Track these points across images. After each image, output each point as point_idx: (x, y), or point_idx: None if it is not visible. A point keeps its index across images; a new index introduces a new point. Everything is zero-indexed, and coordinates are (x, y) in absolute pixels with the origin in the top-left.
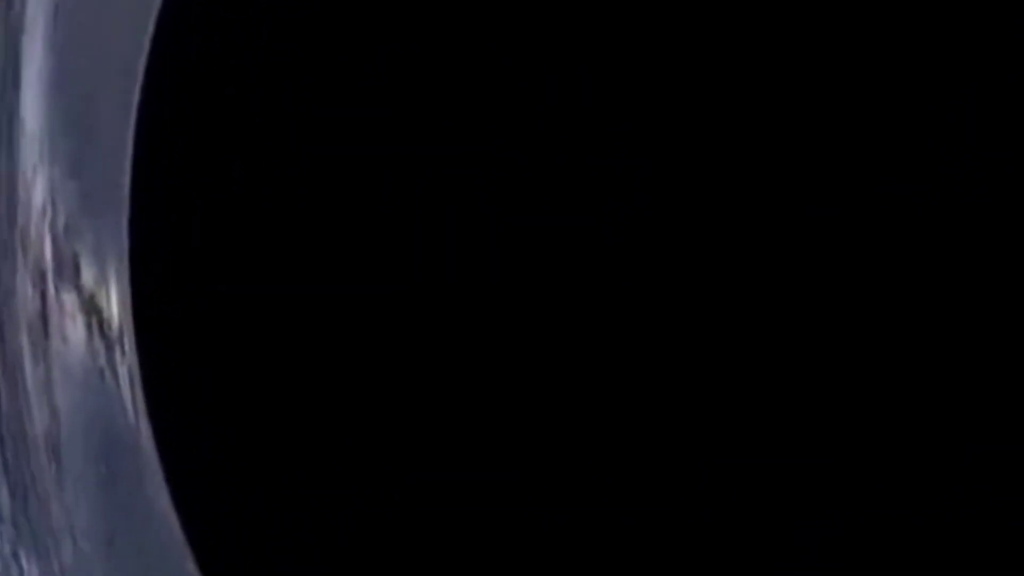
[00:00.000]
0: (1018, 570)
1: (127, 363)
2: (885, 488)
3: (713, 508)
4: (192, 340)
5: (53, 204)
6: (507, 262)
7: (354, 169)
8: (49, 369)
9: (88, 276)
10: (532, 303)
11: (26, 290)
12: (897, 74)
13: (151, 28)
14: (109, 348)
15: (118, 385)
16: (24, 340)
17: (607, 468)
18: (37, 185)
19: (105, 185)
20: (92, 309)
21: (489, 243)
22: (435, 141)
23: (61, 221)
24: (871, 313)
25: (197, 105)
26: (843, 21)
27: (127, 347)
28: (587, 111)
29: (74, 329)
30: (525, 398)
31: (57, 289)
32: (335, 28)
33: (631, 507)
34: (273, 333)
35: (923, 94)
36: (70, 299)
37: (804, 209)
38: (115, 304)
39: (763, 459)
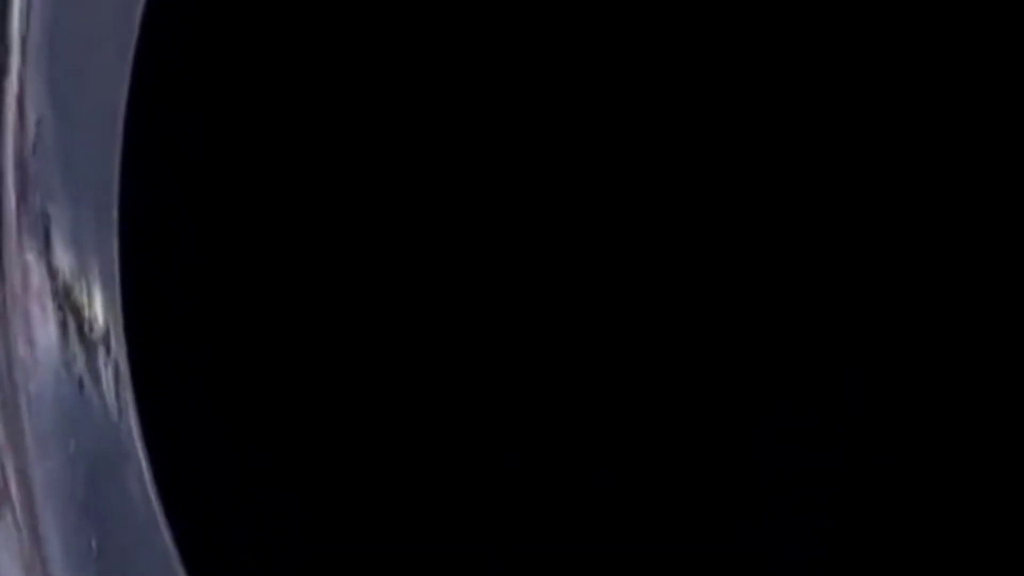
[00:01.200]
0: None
1: (112, 364)
2: (884, 489)
3: (712, 510)
4: (189, 341)
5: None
6: (504, 262)
7: (350, 165)
8: (16, 397)
9: (63, 261)
10: (529, 304)
11: None
12: (897, 74)
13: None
14: (90, 350)
15: (101, 393)
16: None
17: (606, 468)
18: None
19: (91, 174)
20: (69, 307)
21: (484, 245)
22: (433, 139)
23: (30, 138)
24: (870, 313)
25: (190, 93)
26: (843, 21)
27: (112, 346)
28: (586, 111)
29: (44, 330)
30: (522, 397)
31: (19, 235)
32: (339, 15)
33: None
34: (273, 334)
35: (923, 94)
36: (38, 274)
37: (802, 210)
38: (98, 303)
39: (761, 459)
